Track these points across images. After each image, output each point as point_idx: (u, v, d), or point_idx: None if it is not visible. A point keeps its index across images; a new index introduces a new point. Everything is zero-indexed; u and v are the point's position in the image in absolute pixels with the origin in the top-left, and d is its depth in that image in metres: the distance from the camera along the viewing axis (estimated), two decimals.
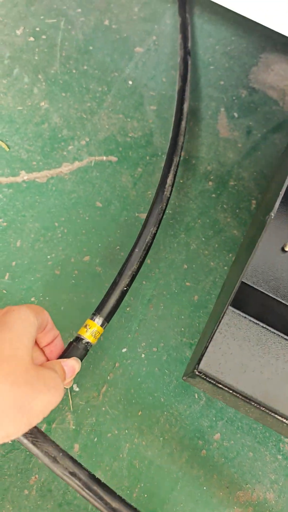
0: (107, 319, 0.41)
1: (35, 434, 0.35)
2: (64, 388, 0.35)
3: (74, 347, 0.39)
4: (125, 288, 0.42)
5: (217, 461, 0.44)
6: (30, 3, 0.64)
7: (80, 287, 0.48)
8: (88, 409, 0.44)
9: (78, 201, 0.52)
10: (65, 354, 0.39)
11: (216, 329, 0.33)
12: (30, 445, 0.35)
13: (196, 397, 0.45)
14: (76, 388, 0.45)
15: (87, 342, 0.39)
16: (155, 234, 0.45)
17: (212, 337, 0.33)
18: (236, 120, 0.60)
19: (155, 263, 0.51)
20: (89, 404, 0.44)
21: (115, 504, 0.34)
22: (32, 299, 0.47)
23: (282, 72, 0.66)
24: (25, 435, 0.35)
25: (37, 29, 0.62)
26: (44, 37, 0.62)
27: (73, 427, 0.43)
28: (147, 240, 0.44)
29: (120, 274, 0.42)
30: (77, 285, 0.49)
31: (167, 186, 0.47)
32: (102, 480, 0.40)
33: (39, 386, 0.29)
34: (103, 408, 0.44)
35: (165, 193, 0.47)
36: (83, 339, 0.39)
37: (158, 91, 0.61)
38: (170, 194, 0.48)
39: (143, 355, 0.47)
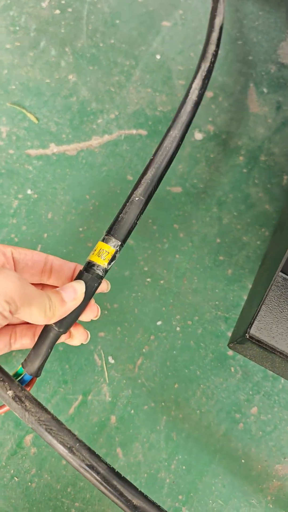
0: (123, 241, 0.35)
1: (50, 422, 0.32)
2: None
3: (80, 273, 0.34)
4: (138, 199, 0.37)
5: (254, 434, 0.43)
6: None
7: None
8: (124, 381, 0.43)
9: (109, 174, 0.52)
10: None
11: (267, 294, 0.32)
12: (45, 433, 0.31)
13: (233, 370, 0.45)
14: (111, 360, 0.44)
15: (100, 267, 0.34)
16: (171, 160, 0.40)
17: (263, 301, 0.32)
18: (265, 96, 0.59)
19: (188, 237, 0.50)
20: (124, 376, 0.44)
21: (136, 501, 0.31)
22: None
23: None
24: (40, 422, 0.31)
25: (63, 1, 0.61)
26: (70, 10, 0.60)
27: (109, 399, 0.43)
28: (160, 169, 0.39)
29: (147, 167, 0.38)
30: None
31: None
32: (139, 452, 0.39)
33: (31, 292, 0.28)
34: (139, 381, 0.44)
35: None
36: (94, 263, 0.34)
37: (186, 65, 0.59)
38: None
39: (178, 328, 0.46)
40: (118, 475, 0.31)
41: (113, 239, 0.35)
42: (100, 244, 0.34)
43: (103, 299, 0.46)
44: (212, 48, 0.46)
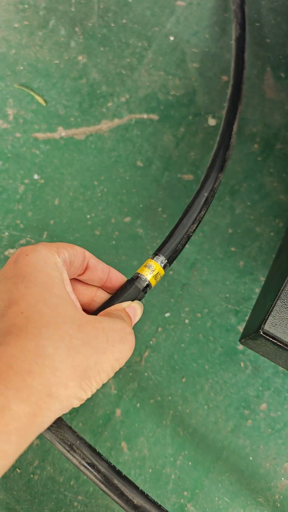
0: (170, 261, 0.35)
1: None
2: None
3: (135, 288, 0.33)
4: (190, 234, 0.37)
5: (263, 431, 0.42)
6: None
7: (121, 248, 0.46)
8: (130, 374, 0.42)
9: (118, 160, 0.50)
10: (123, 294, 0.32)
11: (282, 289, 0.31)
12: (46, 430, 0.30)
13: (242, 365, 0.43)
14: None
15: (147, 282, 0.33)
16: (220, 180, 0.40)
17: (279, 297, 0.31)
18: (283, 81, 0.57)
19: (198, 227, 0.48)
20: (131, 368, 0.42)
21: (137, 501, 0.30)
22: None
23: None
24: None
25: None
26: None
27: (115, 392, 0.42)
28: (214, 186, 0.39)
29: (184, 215, 0.37)
30: (118, 246, 0.46)
31: (232, 133, 0.42)
32: (145, 446, 0.38)
33: (101, 344, 0.24)
34: (146, 374, 0.42)
35: (231, 140, 0.42)
36: (144, 278, 0.33)
37: (201, 48, 0.57)
38: (234, 142, 0.43)
39: (186, 321, 0.44)
40: (119, 473, 0.30)
41: (162, 258, 0.35)
42: (153, 263, 0.34)
43: None
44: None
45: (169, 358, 0.43)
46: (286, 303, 0.31)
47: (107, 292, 0.32)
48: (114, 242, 0.46)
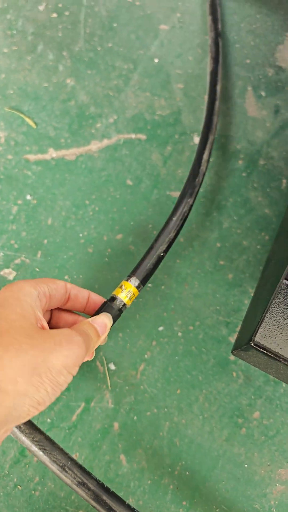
0: (143, 282, 0.39)
1: (43, 442, 0.34)
2: (96, 344, 0.34)
3: (108, 306, 0.37)
4: (162, 254, 0.40)
5: (257, 439, 0.43)
6: None
7: (114, 265, 0.48)
8: (127, 387, 0.43)
9: (108, 179, 0.51)
10: (99, 312, 0.37)
11: (271, 302, 0.32)
12: (39, 453, 0.34)
13: (234, 375, 0.45)
14: (113, 367, 0.44)
15: (122, 303, 0.37)
16: (191, 205, 0.44)
17: (268, 309, 0.32)
18: (263, 99, 0.59)
19: (188, 242, 0.50)
20: (127, 382, 0.44)
21: None
22: (66, 277, 0.46)
23: None
24: (33, 442, 0.34)
25: (60, 5, 0.61)
26: (67, 13, 0.60)
27: (112, 406, 0.43)
28: (184, 210, 0.43)
29: (157, 239, 0.41)
30: (111, 263, 0.48)
31: (203, 161, 0.46)
32: (143, 458, 0.40)
33: (49, 345, 0.28)
34: (141, 387, 0.44)
35: (201, 167, 0.46)
36: (117, 298, 0.38)
37: (185, 69, 0.59)
38: (206, 169, 0.47)
39: (179, 334, 0.46)
40: (107, 490, 0.33)
41: (135, 279, 0.39)
42: (125, 283, 0.39)
43: None
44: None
45: (164, 371, 0.44)
46: (274, 315, 0.33)
47: (89, 315, 0.37)
48: (107, 259, 0.48)
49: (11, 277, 0.46)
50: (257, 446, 0.43)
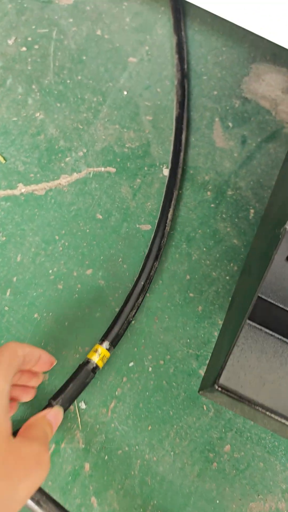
0: (113, 344, 0.44)
1: None
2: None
3: (85, 371, 0.41)
4: (131, 319, 0.46)
5: (228, 473, 0.43)
6: (21, 13, 0.63)
7: (84, 301, 0.48)
8: (97, 426, 0.43)
9: (78, 213, 0.52)
10: (76, 377, 0.41)
11: (234, 343, 0.33)
12: None
13: (205, 408, 0.45)
14: (83, 406, 0.44)
15: (96, 366, 0.42)
16: (156, 267, 0.48)
17: (231, 351, 0.33)
18: (231, 130, 0.61)
19: (158, 275, 0.50)
20: (98, 421, 0.43)
21: None
22: (35, 315, 0.46)
23: (273, 82, 0.67)
24: None
25: (29, 39, 0.61)
26: (36, 47, 0.61)
27: (83, 446, 0.42)
28: (151, 274, 0.47)
29: (126, 304, 0.46)
30: (81, 299, 0.48)
31: (168, 221, 0.49)
32: (114, 500, 0.39)
33: (19, 473, 0.27)
34: (112, 425, 0.43)
35: (166, 227, 0.50)
36: (92, 362, 0.42)
37: (153, 101, 0.61)
38: (169, 228, 0.50)
39: (150, 369, 0.46)
40: None
41: (107, 343, 0.44)
42: (100, 347, 0.44)
43: (74, 343, 0.46)
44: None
45: (134, 407, 0.44)
46: (238, 356, 0.33)
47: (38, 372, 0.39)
48: (77, 295, 0.48)
49: None
50: (228, 480, 0.43)
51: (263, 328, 0.34)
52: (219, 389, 0.32)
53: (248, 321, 0.34)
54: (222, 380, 0.32)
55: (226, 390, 0.33)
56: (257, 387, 0.32)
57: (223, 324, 0.46)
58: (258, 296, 0.34)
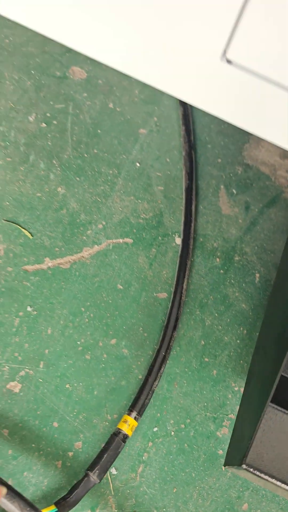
0: (140, 413, 0.48)
1: None
2: None
3: (117, 441, 0.46)
4: (155, 389, 0.50)
5: None
6: (39, 89, 0.67)
7: (110, 370, 0.52)
8: (128, 490, 0.47)
9: (101, 284, 0.56)
10: (109, 447, 0.46)
11: (258, 426, 0.38)
12: None
13: (223, 469, 0.50)
14: (114, 472, 0.48)
15: (126, 435, 0.46)
16: (175, 336, 0.53)
17: (256, 434, 0.37)
18: (235, 197, 0.66)
19: (176, 342, 0.55)
20: (128, 485, 0.47)
21: None
22: (67, 385, 0.50)
23: (271, 148, 0.73)
24: None
25: (48, 114, 0.66)
26: (55, 122, 0.66)
27: (116, 511, 0.46)
28: (170, 344, 0.52)
29: (150, 373, 0.51)
30: (107, 368, 0.52)
31: (183, 291, 0.55)
32: None
33: None
34: (141, 489, 0.48)
35: (182, 297, 0.55)
36: (123, 432, 0.46)
37: (164, 171, 0.66)
38: (181, 304, 0.55)
39: (172, 433, 0.50)
40: None
41: (135, 413, 0.48)
42: (129, 418, 0.48)
43: (103, 411, 0.50)
44: None
45: (160, 471, 0.49)
46: (262, 438, 0.38)
47: None
48: (103, 364, 0.52)
49: (17, 389, 0.49)
50: None
51: (285, 411, 0.38)
52: (246, 468, 0.37)
53: (271, 404, 0.38)
54: (248, 461, 0.37)
55: (252, 469, 0.37)
56: (279, 464, 0.37)
57: (242, 401, 0.50)
58: (282, 375, 0.39)
